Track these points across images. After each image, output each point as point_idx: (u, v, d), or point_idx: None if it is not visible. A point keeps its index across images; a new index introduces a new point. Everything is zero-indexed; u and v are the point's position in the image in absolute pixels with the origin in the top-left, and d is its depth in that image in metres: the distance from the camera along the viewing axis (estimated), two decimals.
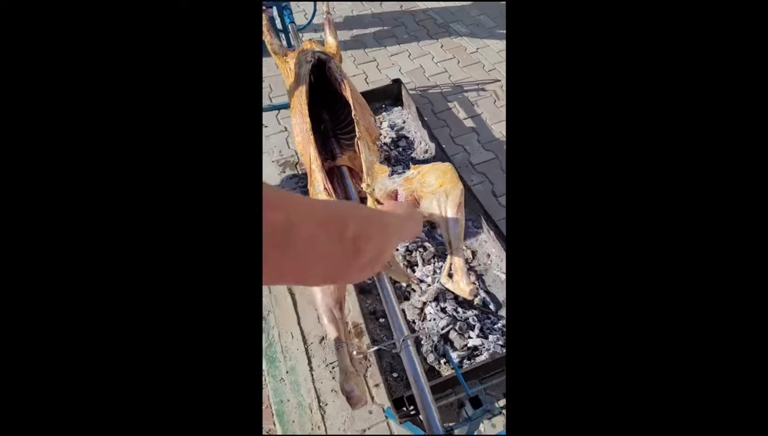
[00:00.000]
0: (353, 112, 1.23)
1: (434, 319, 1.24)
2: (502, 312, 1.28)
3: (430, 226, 1.45)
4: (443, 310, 1.26)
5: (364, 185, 1.06)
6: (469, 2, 2.70)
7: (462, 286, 0.91)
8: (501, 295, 1.32)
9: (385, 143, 1.79)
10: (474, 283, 1.22)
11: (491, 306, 1.29)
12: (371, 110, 1.99)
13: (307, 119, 1.16)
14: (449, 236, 0.97)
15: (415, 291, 1.32)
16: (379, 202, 1.03)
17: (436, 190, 1.00)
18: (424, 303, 1.28)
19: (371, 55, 2.34)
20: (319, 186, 1.05)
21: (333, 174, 1.15)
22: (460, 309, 1.26)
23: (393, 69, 2.23)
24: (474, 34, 2.43)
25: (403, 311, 1.28)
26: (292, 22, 1.67)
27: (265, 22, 1.45)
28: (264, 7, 1.46)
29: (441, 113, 1.98)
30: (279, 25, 1.80)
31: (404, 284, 1.30)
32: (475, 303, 1.29)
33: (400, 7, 2.69)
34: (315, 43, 1.44)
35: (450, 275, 0.94)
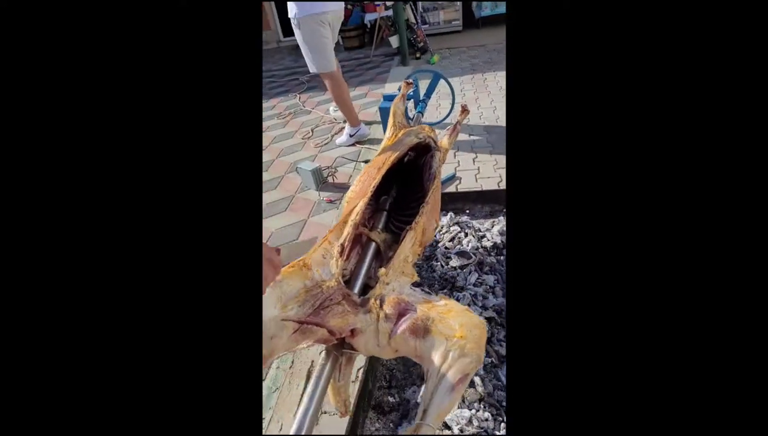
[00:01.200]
0: (424, 205, 1.08)
1: None
2: None
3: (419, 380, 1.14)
4: None
5: (381, 271, 0.86)
6: None
7: None
8: None
9: (483, 247, 1.58)
10: None
11: None
12: (489, 210, 1.82)
13: (380, 176, 1.05)
14: (429, 402, 0.69)
15: None
16: (381, 301, 0.82)
17: (452, 337, 0.74)
18: None
19: None
20: (339, 239, 0.89)
21: (358, 240, 0.99)
22: None
23: None
24: None
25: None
26: (420, 112, 1.71)
27: (403, 91, 1.48)
28: (406, 82, 1.51)
29: None
30: (410, 113, 1.87)
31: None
32: None
33: None
34: (434, 132, 1.40)
35: None
